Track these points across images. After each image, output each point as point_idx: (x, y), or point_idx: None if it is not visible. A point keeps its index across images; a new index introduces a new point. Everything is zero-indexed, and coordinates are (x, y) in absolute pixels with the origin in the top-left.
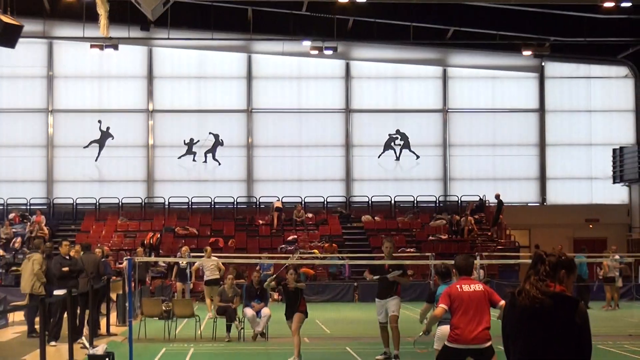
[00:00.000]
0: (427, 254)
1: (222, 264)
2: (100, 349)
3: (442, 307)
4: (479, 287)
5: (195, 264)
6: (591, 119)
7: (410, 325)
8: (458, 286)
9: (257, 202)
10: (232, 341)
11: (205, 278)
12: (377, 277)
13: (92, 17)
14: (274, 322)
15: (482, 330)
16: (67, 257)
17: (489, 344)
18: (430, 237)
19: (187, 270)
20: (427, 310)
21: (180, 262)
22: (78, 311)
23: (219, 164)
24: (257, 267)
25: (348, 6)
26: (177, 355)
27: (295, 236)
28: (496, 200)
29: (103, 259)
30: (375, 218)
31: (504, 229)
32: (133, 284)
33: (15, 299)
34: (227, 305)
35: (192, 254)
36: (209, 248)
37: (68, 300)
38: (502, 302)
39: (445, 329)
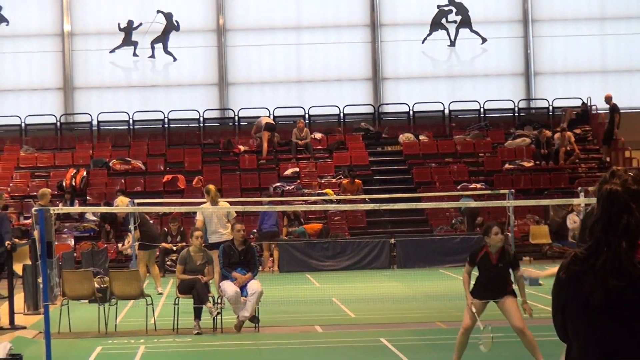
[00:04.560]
0: (502, 190)
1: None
2: (0, 349)
3: None
4: None
5: (198, 216)
6: None
7: None
8: None
9: (236, 118)
10: (203, 334)
11: (211, 240)
12: None
13: None
14: (268, 302)
15: None
16: None
17: None
18: (508, 165)
19: (131, 226)
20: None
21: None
22: None
23: (174, 59)
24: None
25: None
26: (120, 356)
27: (297, 169)
28: (608, 105)
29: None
30: (421, 137)
31: (621, 150)
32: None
33: None
34: (195, 279)
35: (136, 202)
36: (212, 187)
37: None
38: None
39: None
